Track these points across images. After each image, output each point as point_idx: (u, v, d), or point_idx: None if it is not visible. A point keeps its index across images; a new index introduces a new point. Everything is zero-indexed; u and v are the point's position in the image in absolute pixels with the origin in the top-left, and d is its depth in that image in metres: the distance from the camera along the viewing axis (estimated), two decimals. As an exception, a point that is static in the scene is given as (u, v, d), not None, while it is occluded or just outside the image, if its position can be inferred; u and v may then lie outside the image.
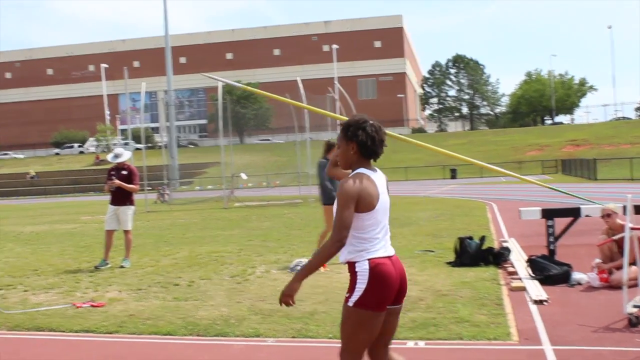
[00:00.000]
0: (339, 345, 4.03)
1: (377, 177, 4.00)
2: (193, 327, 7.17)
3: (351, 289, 3.91)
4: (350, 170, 4.08)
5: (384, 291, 3.87)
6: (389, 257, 3.97)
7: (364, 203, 3.87)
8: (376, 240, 3.94)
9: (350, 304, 3.88)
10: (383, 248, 3.97)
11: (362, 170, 3.99)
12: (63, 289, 9.77)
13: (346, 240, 3.83)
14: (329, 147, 10.46)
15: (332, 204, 10.49)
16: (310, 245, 13.53)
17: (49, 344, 6.91)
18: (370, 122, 4.00)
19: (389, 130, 4.57)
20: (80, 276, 10.94)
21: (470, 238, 10.66)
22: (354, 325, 3.91)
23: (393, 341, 4.20)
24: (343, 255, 3.98)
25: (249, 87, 6.45)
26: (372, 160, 4.07)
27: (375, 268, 3.86)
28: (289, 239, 14.94)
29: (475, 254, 10.32)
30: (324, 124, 42.35)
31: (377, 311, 3.88)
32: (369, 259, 3.88)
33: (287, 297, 3.96)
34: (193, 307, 8.14)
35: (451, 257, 10.69)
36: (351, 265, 3.94)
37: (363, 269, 3.87)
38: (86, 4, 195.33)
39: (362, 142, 3.96)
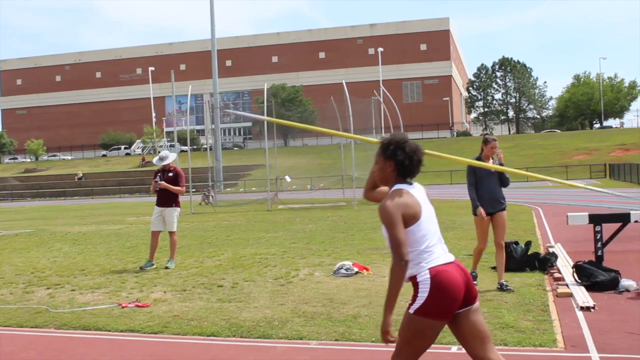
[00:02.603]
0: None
1: (415, 190, 4.03)
2: (236, 329, 7.21)
3: (413, 297, 3.92)
4: (387, 189, 4.11)
5: (446, 299, 3.85)
6: (451, 263, 3.96)
7: (409, 216, 3.89)
8: (432, 249, 3.94)
9: (412, 311, 3.89)
10: (441, 255, 3.97)
11: (398, 186, 4.03)
12: (109, 289, 9.91)
13: (409, 257, 3.82)
14: (485, 142, 9.09)
15: (476, 214, 9.52)
16: (353, 248, 13.51)
17: (95, 343, 7.01)
18: (410, 142, 4.06)
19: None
20: (126, 276, 11.08)
21: (516, 243, 10.55)
22: (413, 332, 3.91)
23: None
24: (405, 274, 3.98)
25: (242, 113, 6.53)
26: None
27: (437, 276, 3.86)
28: (333, 242, 14.92)
29: (520, 259, 10.21)
30: (369, 127, 42.19)
31: (438, 320, 3.88)
32: (429, 269, 3.89)
33: (385, 333, 3.91)
34: (236, 309, 8.18)
35: (496, 262, 10.56)
36: (413, 278, 3.95)
37: (424, 278, 3.87)
38: (134, 9, 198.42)
39: (400, 162, 4.02)
